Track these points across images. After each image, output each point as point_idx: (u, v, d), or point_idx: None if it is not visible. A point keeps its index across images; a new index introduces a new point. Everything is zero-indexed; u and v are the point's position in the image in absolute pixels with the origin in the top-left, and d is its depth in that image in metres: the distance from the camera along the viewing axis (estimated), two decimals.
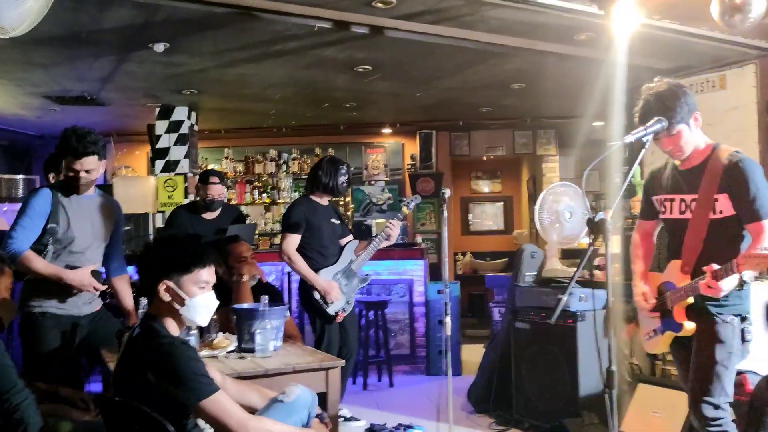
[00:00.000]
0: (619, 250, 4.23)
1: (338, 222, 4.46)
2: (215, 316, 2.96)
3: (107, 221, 3.42)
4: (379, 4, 3.98)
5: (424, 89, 6.58)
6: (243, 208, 8.32)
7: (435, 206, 8.84)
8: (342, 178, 4.39)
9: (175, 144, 7.18)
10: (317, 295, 4.19)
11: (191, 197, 6.95)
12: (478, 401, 4.85)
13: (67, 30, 4.48)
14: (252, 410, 2.32)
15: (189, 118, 7.21)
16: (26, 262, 3.14)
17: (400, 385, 5.76)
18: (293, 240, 4.22)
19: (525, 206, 10.10)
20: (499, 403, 4.65)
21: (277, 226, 8.61)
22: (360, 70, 5.68)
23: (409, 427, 4.36)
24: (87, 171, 3.20)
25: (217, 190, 4.62)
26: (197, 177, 5.28)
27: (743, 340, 2.57)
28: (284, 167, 8.98)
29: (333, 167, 4.39)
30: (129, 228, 6.76)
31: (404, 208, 4.38)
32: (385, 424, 4.41)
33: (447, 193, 3.64)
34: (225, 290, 3.40)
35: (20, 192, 7.18)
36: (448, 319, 3.54)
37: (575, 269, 2.47)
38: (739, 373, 3.07)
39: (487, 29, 4.45)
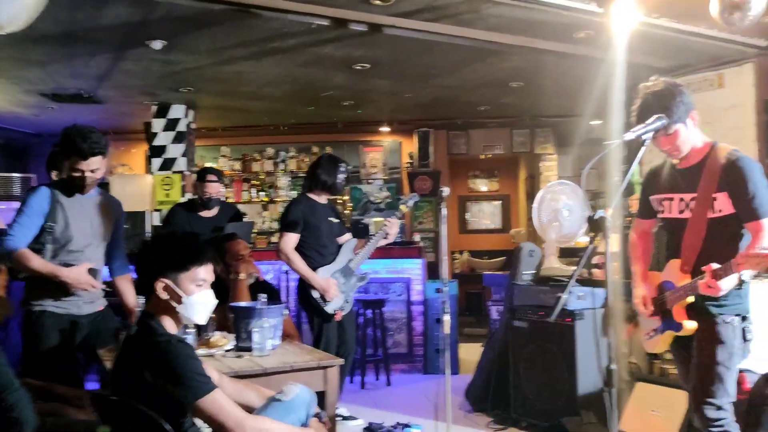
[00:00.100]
0: (618, 248, 4.22)
1: (336, 221, 4.45)
2: (213, 315, 2.94)
3: (107, 220, 3.40)
4: (377, 2, 3.97)
5: (422, 87, 6.57)
6: (240, 207, 8.29)
7: (433, 205, 8.84)
8: (341, 177, 4.38)
9: (172, 142, 7.16)
10: (316, 294, 4.18)
11: (188, 195, 6.93)
12: (476, 400, 4.84)
13: (63, 27, 4.46)
14: (250, 409, 2.31)
15: (186, 116, 7.19)
16: (22, 260, 3.12)
17: (397, 384, 5.75)
18: (291, 239, 4.21)
19: (522, 205, 10.09)
20: (497, 401, 4.64)
21: (275, 225, 8.60)
22: (358, 67, 5.66)
23: (407, 426, 4.35)
24: (92, 171, 3.19)
25: (215, 188, 4.61)
26: (194, 175, 5.26)
27: (744, 339, 2.56)
28: (282, 165, 8.97)
29: (332, 165, 4.38)
30: (126, 226, 6.72)
31: (402, 207, 4.37)
32: (382, 423, 4.41)
33: (445, 191, 3.63)
34: (222, 288, 3.38)
35: (16, 190, 7.15)
36: (446, 318, 3.52)
37: (574, 267, 2.46)
38: (739, 371, 3.06)
39: (486, 27, 4.44)
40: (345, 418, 4.47)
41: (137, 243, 3.57)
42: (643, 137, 2.48)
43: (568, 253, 5.06)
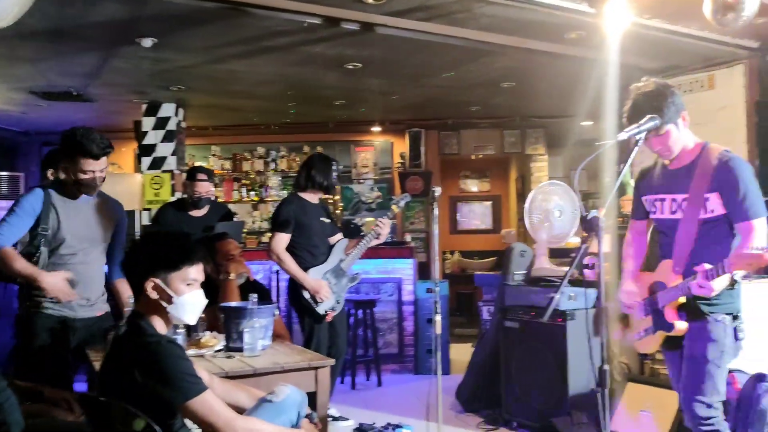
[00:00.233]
0: (609, 249, 4.23)
1: (328, 220, 4.43)
2: (203, 315, 2.92)
3: (106, 222, 3.34)
4: (370, 0, 3.96)
5: (414, 87, 6.56)
6: (230, 206, 8.26)
7: (424, 205, 8.84)
8: (334, 175, 4.36)
9: (162, 141, 7.12)
10: (307, 295, 4.16)
11: (178, 194, 6.89)
12: (466, 400, 4.84)
13: (53, 24, 4.42)
14: (240, 410, 2.29)
15: (176, 114, 7.15)
16: (5, 259, 3.08)
17: (388, 384, 5.74)
18: (282, 239, 4.19)
19: (513, 205, 10.12)
20: (488, 402, 4.64)
21: (265, 224, 8.57)
22: (350, 67, 5.65)
23: (398, 426, 4.34)
24: (101, 171, 3.19)
25: (205, 188, 4.58)
26: (184, 174, 5.23)
27: (735, 338, 2.57)
28: (272, 165, 8.93)
29: (326, 165, 4.36)
30: None
31: (394, 207, 4.36)
32: (373, 423, 4.39)
33: (437, 191, 3.62)
34: (212, 288, 3.36)
35: (3, 189, 7.08)
36: (438, 318, 3.52)
37: (566, 268, 2.46)
38: (728, 371, 3.08)
39: (478, 27, 4.44)
40: (335, 419, 4.45)
41: (127, 242, 3.52)
42: (636, 137, 2.49)
43: (558, 254, 5.06)
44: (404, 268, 6.23)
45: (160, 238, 2.33)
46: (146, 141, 7.13)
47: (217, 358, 3.01)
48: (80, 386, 3.48)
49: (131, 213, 7.02)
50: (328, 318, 4.23)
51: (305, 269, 4.18)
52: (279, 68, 5.74)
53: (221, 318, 3.26)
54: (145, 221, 7.01)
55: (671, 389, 2.92)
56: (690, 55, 4.90)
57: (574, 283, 4.30)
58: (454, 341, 6.74)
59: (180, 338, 2.98)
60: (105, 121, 7.98)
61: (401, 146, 9.03)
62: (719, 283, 2.42)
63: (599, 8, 3.85)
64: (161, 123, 7.10)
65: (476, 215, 10.75)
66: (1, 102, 6.87)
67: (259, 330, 3.08)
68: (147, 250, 2.25)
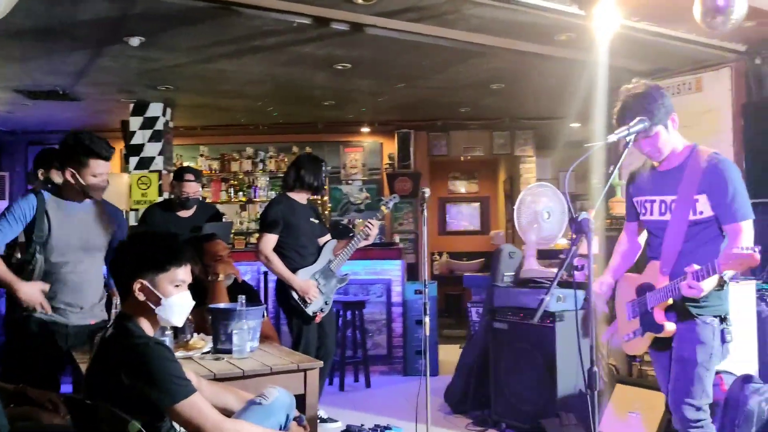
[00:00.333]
0: (598, 250, 4.24)
1: (317, 221, 4.41)
2: (190, 316, 2.89)
3: (102, 229, 3.29)
4: (360, 1, 3.95)
5: (404, 88, 6.56)
6: (218, 207, 8.23)
7: (413, 206, 8.84)
8: (323, 176, 4.35)
9: (150, 140, 7.07)
10: (295, 296, 4.14)
11: (166, 195, 6.84)
12: (455, 402, 4.84)
13: (40, 22, 4.37)
14: (228, 413, 2.27)
15: (164, 114, 7.11)
16: None
17: (377, 386, 5.73)
18: (270, 239, 4.16)
19: (501, 207, 10.14)
20: (477, 403, 4.64)
21: (253, 225, 8.53)
22: (339, 67, 5.64)
23: (387, 428, 4.33)
24: (107, 173, 3.25)
25: (192, 188, 4.54)
26: (172, 174, 5.19)
27: (723, 341, 2.58)
28: (261, 165, 8.89)
29: (315, 165, 4.35)
30: None
31: (383, 208, 4.35)
32: (362, 425, 4.38)
33: (427, 192, 3.62)
34: (200, 290, 3.33)
35: None
36: (427, 319, 3.51)
37: (555, 269, 2.46)
38: (716, 373, 3.09)
39: (468, 28, 4.45)
40: (324, 421, 4.43)
41: None
42: (626, 139, 2.50)
43: (546, 256, 5.06)
44: (393, 270, 6.22)
45: (147, 239, 2.30)
46: (134, 141, 7.08)
47: (205, 360, 2.98)
48: (66, 388, 3.43)
49: None
50: (317, 319, 4.21)
51: (294, 270, 4.16)
52: (268, 68, 5.72)
53: (209, 319, 3.23)
54: (132, 222, 6.96)
55: (659, 391, 2.93)
56: (678, 57, 4.93)
57: (563, 284, 4.31)
58: (443, 342, 6.74)
59: (167, 340, 2.95)
60: (92, 120, 7.92)
61: (390, 147, 9.02)
62: (708, 284, 2.43)
63: (589, 10, 3.87)
64: (149, 123, 7.05)
65: (465, 216, 10.77)
66: None
67: (247, 332, 3.06)
68: (134, 251, 2.22)
